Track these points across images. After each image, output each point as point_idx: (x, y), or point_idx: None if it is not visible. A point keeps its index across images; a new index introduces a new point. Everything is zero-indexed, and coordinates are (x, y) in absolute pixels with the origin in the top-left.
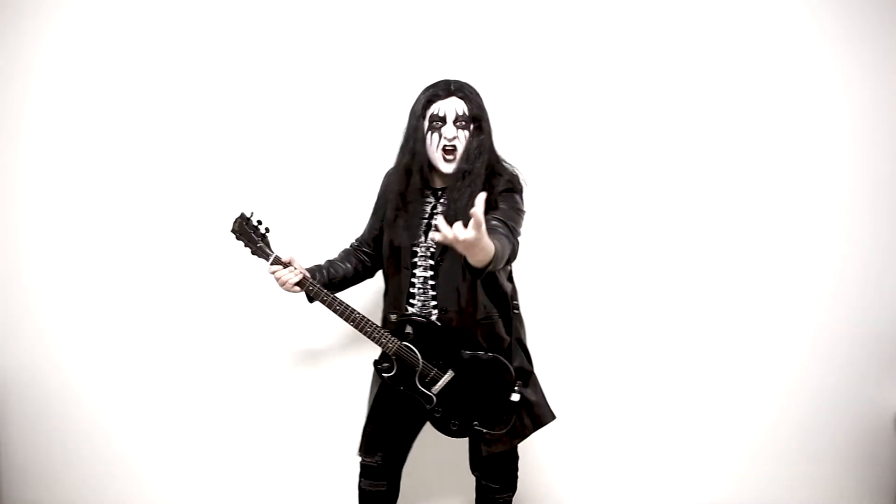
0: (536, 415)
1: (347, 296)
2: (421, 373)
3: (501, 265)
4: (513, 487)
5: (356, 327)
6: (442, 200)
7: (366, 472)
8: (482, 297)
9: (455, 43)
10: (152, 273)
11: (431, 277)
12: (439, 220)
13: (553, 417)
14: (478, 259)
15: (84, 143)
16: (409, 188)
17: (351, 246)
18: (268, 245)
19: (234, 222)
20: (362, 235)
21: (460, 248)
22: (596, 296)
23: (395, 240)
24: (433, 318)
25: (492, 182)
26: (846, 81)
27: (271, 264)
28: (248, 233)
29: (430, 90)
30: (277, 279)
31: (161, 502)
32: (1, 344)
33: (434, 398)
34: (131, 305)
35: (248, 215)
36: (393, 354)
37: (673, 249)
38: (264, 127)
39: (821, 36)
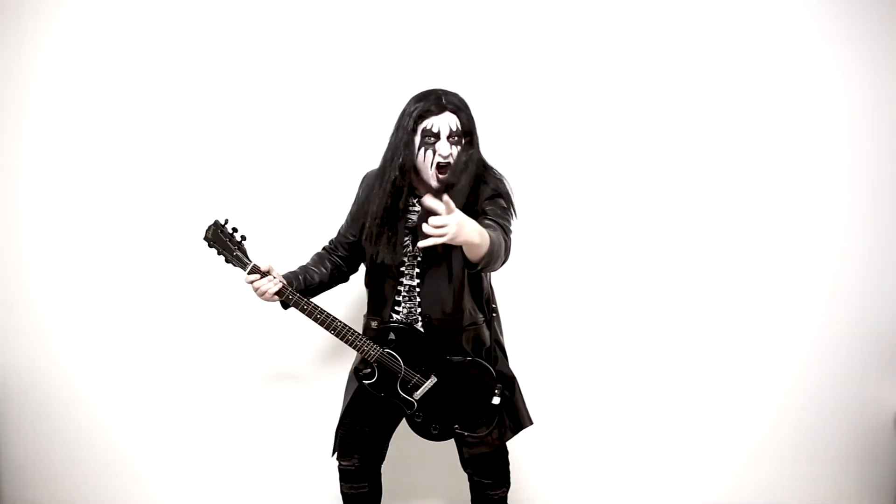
0: (517, 418)
1: (327, 303)
2: (403, 379)
3: (500, 260)
4: (506, 482)
5: (337, 335)
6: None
7: (345, 476)
8: (469, 302)
9: (437, 46)
10: (152, 273)
11: (418, 285)
12: (425, 227)
13: (531, 422)
14: (474, 246)
15: (84, 144)
16: (397, 204)
17: (325, 249)
18: (245, 254)
19: (208, 230)
20: (337, 238)
21: (450, 238)
22: (598, 296)
23: (380, 254)
24: (418, 325)
25: (478, 192)
26: (846, 81)
27: (249, 273)
28: (223, 240)
29: (421, 104)
30: (256, 289)
31: (161, 502)
32: (1, 344)
33: (415, 403)
34: (131, 306)
35: (223, 222)
36: (374, 361)
37: (673, 249)
38: (266, 128)
39: (821, 36)
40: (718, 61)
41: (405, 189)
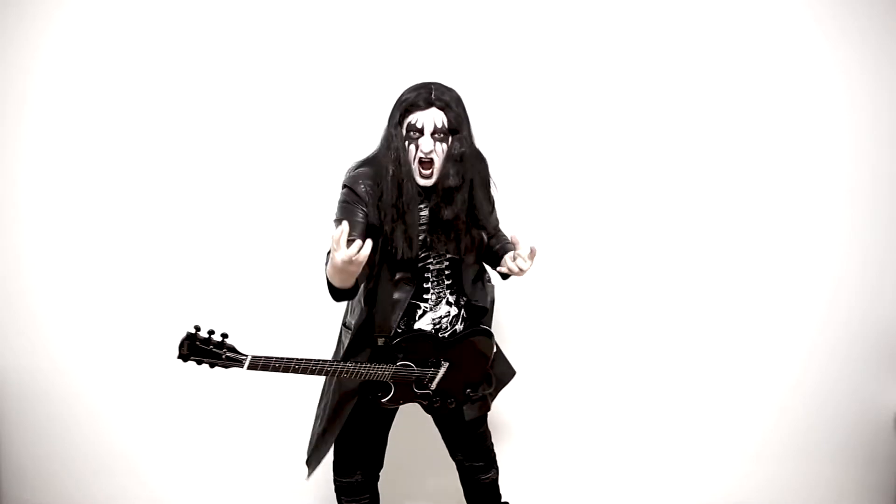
0: (502, 372)
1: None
2: (417, 379)
3: None
4: (494, 464)
5: (352, 377)
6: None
7: (346, 491)
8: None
9: (443, 44)
10: (152, 273)
11: (448, 276)
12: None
13: (514, 372)
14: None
15: (85, 145)
16: (405, 197)
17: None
18: (235, 350)
19: (181, 346)
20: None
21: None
22: (597, 296)
23: (399, 250)
24: (450, 305)
25: (475, 198)
26: (846, 81)
27: (248, 368)
28: (206, 349)
29: (409, 98)
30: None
31: (162, 502)
32: (1, 344)
33: (431, 393)
34: (131, 306)
35: (195, 331)
36: (390, 380)
37: (674, 249)
38: (267, 129)
39: (821, 36)
40: (719, 61)
41: (409, 182)
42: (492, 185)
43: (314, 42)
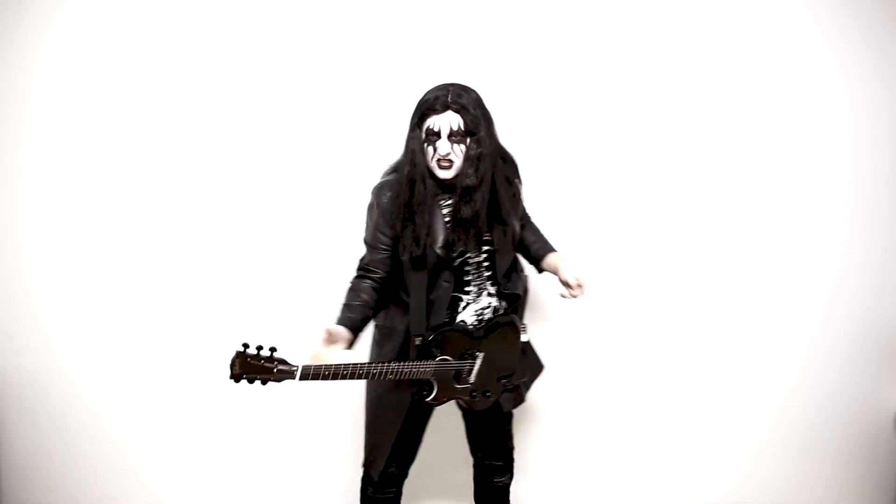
0: (534, 364)
1: None
2: (456, 374)
3: None
4: (511, 469)
5: (397, 377)
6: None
7: (375, 483)
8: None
9: (457, 44)
10: (153, 273)
11: (487, 268)
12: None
13: (543, 367)
14: None
15: (85, 144)
16: (416, 197)
17: (357, 277)
18: (285, 363)
19: (234, 365)
20: (370, 258)
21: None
22: (595, 296)
23: (406, 253)
24: (492, 298)
25: (499, 194)
26: (846, 81)
27: (300, 379)
28: (258, 365)
29: (427, 102)
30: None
31: (162, 502)
32: (1, 344)
33: (471, 386)
34: (132, 306)
35: (243, 349)
36: (432, 377)
37: (674, 249)
38: (267, 128)
39: (820, 36)
40: (719, 62)
41: (422, 183)
42: (517, 181)
43: (337, 46)
